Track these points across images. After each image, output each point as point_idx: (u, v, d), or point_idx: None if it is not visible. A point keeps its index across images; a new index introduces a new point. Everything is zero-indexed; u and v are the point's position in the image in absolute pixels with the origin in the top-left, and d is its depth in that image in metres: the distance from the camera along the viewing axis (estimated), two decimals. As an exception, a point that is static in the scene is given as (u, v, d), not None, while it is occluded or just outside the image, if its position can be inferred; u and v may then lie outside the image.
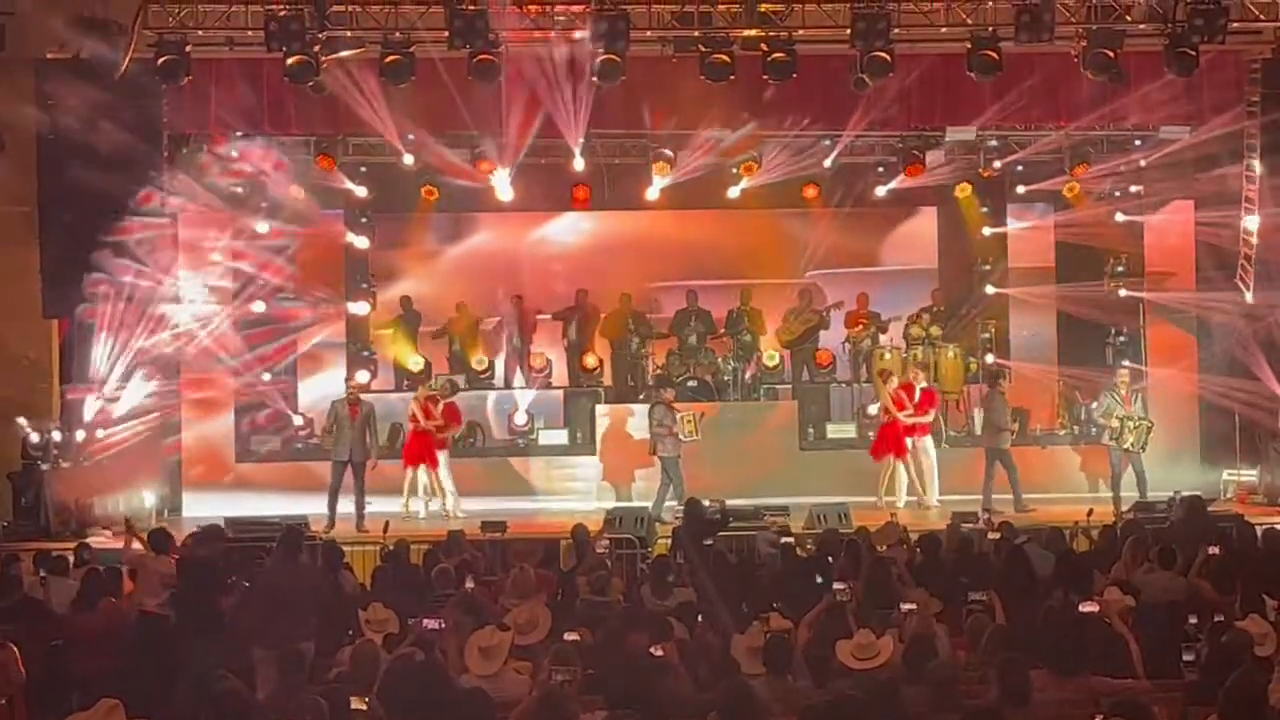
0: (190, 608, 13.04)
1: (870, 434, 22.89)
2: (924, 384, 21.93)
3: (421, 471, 21.45)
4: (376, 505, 20.72)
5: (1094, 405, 21.40)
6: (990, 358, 24.92)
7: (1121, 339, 24.53)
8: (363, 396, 21.22)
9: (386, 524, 18.14)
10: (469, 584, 12.87)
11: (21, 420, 20.57)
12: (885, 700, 8.99)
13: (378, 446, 21.00)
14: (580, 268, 26.27)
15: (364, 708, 9.18)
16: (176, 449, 22.38)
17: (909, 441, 21.65)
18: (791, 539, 16.19)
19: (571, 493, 22.83)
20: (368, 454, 20.53)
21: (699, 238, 26.55)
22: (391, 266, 26.13)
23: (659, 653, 10.33)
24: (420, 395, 21.76)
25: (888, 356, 23.67)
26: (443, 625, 11.16)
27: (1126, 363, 23.61)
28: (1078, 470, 22.87)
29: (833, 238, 26.15)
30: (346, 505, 20.44)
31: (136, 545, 14.87)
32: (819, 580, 12.98)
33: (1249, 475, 22.20)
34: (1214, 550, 13.75)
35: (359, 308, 24.87)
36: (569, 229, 26.74)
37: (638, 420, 22.41)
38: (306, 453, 23.05)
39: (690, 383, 23.87)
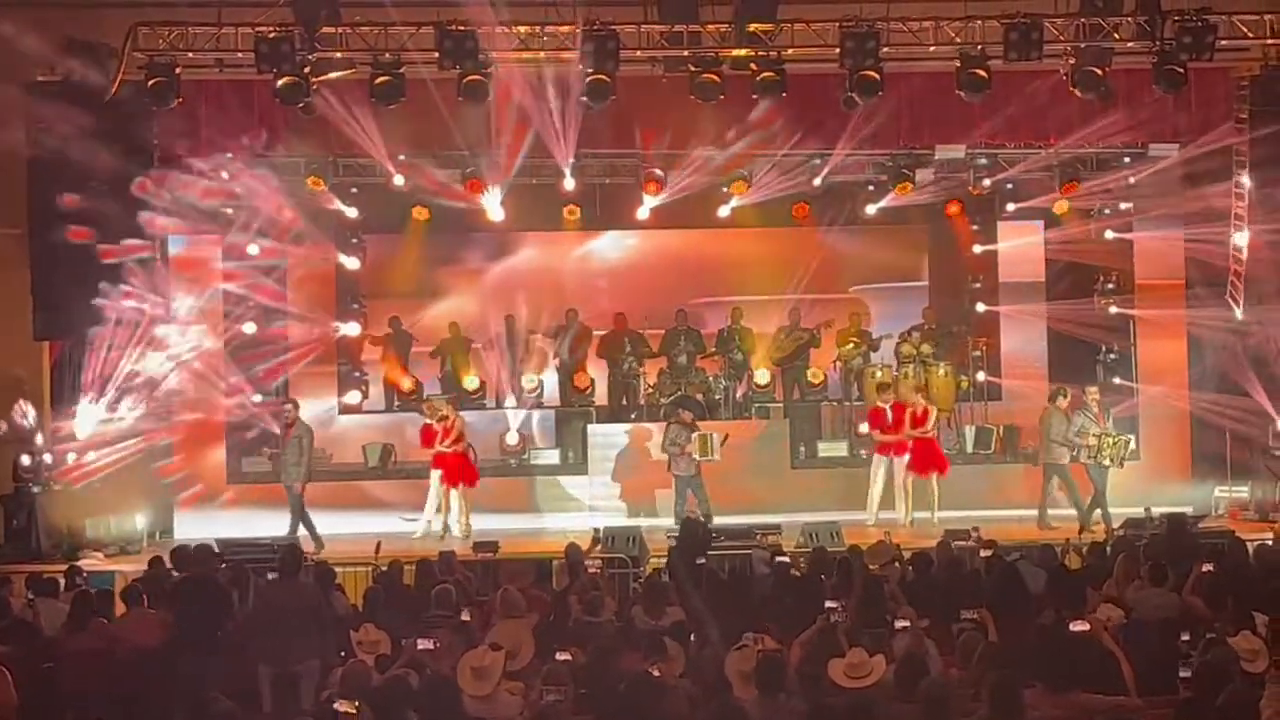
0: (190, 628, 13.04)
1: (862, 452, 23.01)
2: (890, 402, 22.06)
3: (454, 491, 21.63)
4: (382, 525, 20.81)
5: (1069, 426, 21.42)
6: (981, 375, 24.99)
7: (1112, 356, 24.57)
8: (300, 418, 21.30)
9: (378, 544, 18.09)
10: (465, 616, 12.80)
11: (2, 422, 20.59)
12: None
13: (309, 469, 21.13)
14: (574, 287, 26.29)
15: (353, 711, 9.17)
16: (168, 470, 22.31)
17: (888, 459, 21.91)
18: (786, 558, 16.17)
19: (572, 510, 22.87)
20: (301, 476, 20.81)
21: (689, 256, 26.60)
22: (382, 287, 26.13)
23: (657, 673, 10.32)
24: (446, 419, 21.79)
25: (879, 375, 23.71)
26: (436, 645, 11.15)
27: (1117, 379, 23.74)
28: (1057, 489, 22.86)
29: (823, 256, 26.20)
30: (325, 526, 20.62)
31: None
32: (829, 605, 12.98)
33: (1240, 491, 22.23)
34: (1208, 567, 13.77)
35: (350, 328, 24.84)
36: (561, 248, 26.75)
37: (657, 440, 22.42)
38: (298, 473, 23.02)
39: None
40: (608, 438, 23.45)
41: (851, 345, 25.08)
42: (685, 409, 22.18)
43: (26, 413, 20.74)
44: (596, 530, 18.81)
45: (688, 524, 17.93)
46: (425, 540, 20.75)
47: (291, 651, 12.39)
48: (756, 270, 26.42)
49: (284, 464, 20.98)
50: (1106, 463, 20.82)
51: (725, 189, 23.34)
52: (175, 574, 15.35)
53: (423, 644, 11.15)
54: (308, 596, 13.64)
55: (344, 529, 21.26)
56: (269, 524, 20.81)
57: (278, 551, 15.36)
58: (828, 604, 12.01)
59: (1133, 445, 21.33)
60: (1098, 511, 20.73)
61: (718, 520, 19.67)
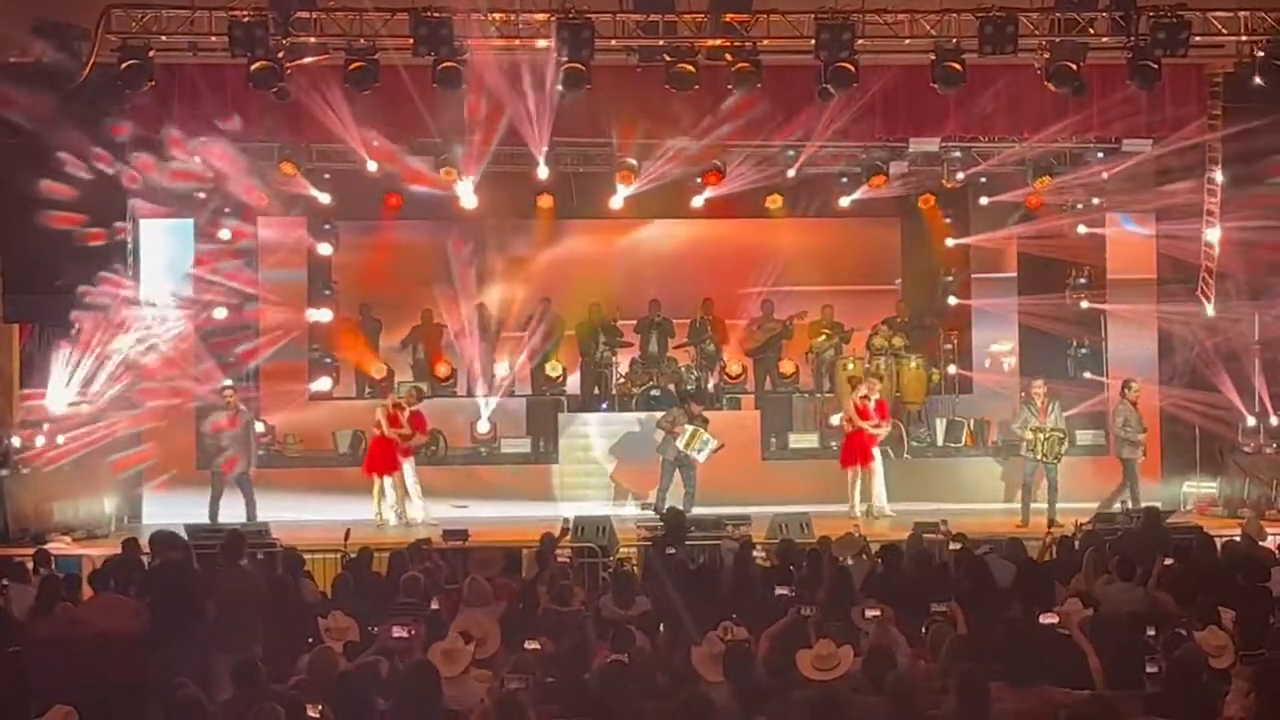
0: (160, 613, 12.99)
1: (833, 444, 23.01)
2: (877, 395, 22.02)
3: (388, 479, 21.50)
4: (351, 512, 20.77)
5: (1013, 419, 21.45)
6: (953, 368, 25.03)
7: (1083, 350, 24.61)
8: (241, 406, 21.31)
9: (348, 532, 18.02)
10: (434, 604, 12.78)
11: None
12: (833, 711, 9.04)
13: (255, 456, 21.42)
14: (547, 276, 26.23)
15: (316, 716, 9.15)
16: (137, 455, 22.20)
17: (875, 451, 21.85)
18: (763, 552, 16.15)
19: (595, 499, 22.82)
20: (249, 463, 21.03)
21: (663, 247, 26.59)
22: (355, 273, 26.07)
23: (625, 661, 10.31)
24: (388, 403, 21.78)
25: (850, 367, 23.74)
26: (410, 633, 11.10)
27: (1088, 374, 23.80)
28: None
29: (796, 248, 26.23)
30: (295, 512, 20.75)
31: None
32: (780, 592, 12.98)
33: (1209, 487, 22.32)
34: (1169, 561, 13.83)
35: (321, 314, 24.77)
36: (535, 237, 26.63)
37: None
38: (268, 460, 22.90)
39: (654, 392, 23.95)
40: (578, 426, 23.45)
41: (823, 337, 25.09)
42: (697, 401, 22.22)
43: (9, 434, 20.62)
44: (565, 520, 18.79)
45: (671, 514, 17.93)
46: (396, 528, 20.79)
47: (258, 637, 12.35)
48: (729, 261, 26.41)
49: (225, 450, 21.01)
50: (1039, 457, 20.84)
51: (698, 180, 23.31)
52: (147, 559, 15.27)
53: (397, 631, 11.10)
54: (276, 582, 13.63)
55: (313, 515, 21.22)
56: (237, 511, 20.79)
57: (245, 537, 15.33)
58: (778, 590, 12.10)
59: (1068, 443, 21.26)
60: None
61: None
